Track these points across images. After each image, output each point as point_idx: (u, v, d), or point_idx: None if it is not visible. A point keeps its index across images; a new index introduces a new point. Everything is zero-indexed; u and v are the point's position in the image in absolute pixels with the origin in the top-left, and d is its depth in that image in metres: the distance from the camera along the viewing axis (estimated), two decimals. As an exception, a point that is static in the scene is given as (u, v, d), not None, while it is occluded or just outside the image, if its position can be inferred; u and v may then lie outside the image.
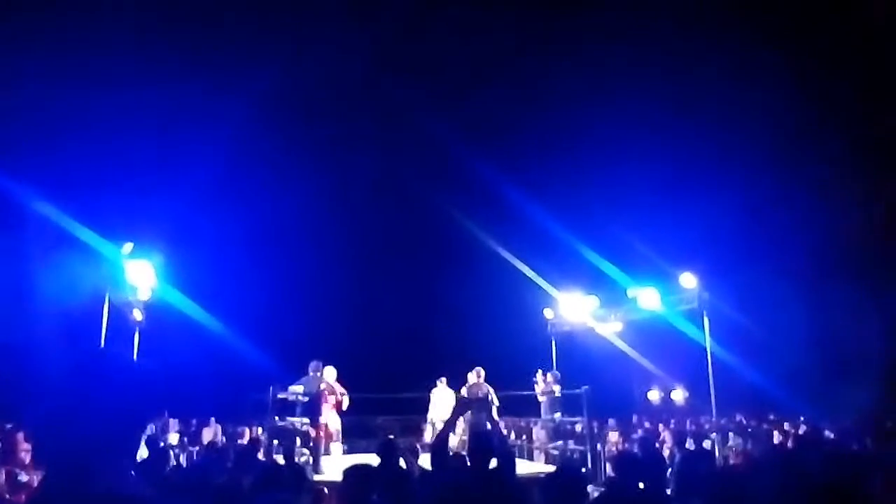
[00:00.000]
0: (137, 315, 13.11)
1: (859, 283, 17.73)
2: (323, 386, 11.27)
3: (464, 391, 12.24)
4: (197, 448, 12.52)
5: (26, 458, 8.82)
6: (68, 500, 1.49)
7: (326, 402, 11.37)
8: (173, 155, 17.43)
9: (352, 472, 4.50)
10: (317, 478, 9.10)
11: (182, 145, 17.48)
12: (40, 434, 1.59)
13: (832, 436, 10.61)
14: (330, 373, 11.76)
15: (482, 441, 4.75)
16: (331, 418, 11.57)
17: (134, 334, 13.00)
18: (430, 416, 12.75)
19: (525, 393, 13.28)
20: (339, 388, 11.74)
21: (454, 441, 10.70)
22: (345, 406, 11.81)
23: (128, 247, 12.52)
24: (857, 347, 17.59)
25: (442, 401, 12.57)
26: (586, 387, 11.89)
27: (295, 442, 10.58)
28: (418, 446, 9.48)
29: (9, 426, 10.36)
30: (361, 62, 18.90)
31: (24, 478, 7.23)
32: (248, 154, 18.42)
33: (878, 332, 17.58)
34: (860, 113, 17.85)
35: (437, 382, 12.94)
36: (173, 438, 13.08)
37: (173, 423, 13.82)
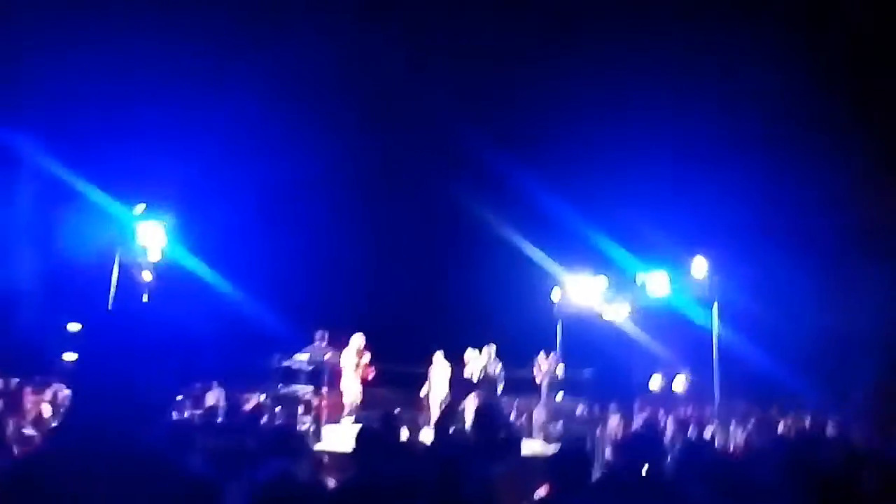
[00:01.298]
0: (147, 276, 13.16)
1: (877, 269, 17.54)
2: (328, 356, 11.34)
3: (475, 367, 12.20)
4: (199, 411, 12.61)
5: (32, 412, 8.92)
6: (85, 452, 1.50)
7: (339, 372, 11.46)
8: (187, 117, 17.39)
9: (360, 439, 4.51)
10: (317, 446, 9.17)
11: (196, 107, 17.43)
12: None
13: (835, 429, 10.59)
14: (356, 340, 11.81)
15: (488, 418, 4.76)
16: (348, 389, 11.63)
17: (142, 295, 13.07)
18: (427, 388, 12.68)
19: (528, 374, 13.31)
20: (356, 359, 11.74)
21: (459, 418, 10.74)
22: (369, 374, 11.87)
23: (139, 207, 12.56)
24: (872, 336, 17.45)
25: (439, 374, 12.53)
26: (589, 369, 11.93)
27: (297, 409, 10.65)
28: (419, 419, 9.53)
29: (15, 381, 10.47)
30: (377, 43, 18.76)
31: (29, 431, 7.31)
32: (261, 119, 18.36)
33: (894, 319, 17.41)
34: (877, 94, 17.56)
35: (434, 356, 12.85)
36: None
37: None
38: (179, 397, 13.39)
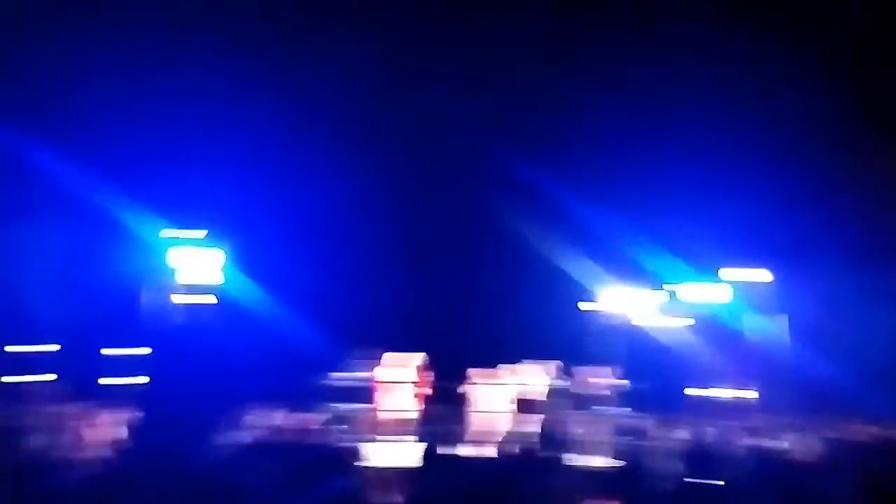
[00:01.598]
0: (201, 300, 13.36)
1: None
2: (383, 373, 11.33)
3: (539, 383, 12.11)
4: (258, 433, 12.66)
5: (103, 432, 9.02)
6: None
7: (394, 389, 11.47)
8: (226, 136, 17.66)
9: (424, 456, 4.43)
10: (375, 464, 9.08)
11: (233, 125, 17.69)
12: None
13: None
14: (416, 359, 11.87)
15: (552, 436, 4.62)
16: (403, 405, 11.63)
17: (197, 322, 13.25)
18: (472, 405, 12.55)
19: (583, 389, 13.08)
20: (414, 377, 11.77)
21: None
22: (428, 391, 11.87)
23: (200, 233, 12.77)
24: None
25: (480, 390, 12.45)
26: (650, 381, 11.62)
27: (354, 428, 10.63)
28: (475, 436, 9.39)
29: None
30: (409, 58, 18.89)
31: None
32: (301, 139, 18.59)
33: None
34: None
35: (469, 374, 12.70)
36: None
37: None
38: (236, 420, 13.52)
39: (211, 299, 13.35)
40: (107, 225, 12.90)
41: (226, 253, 13.33)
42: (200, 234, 12.83)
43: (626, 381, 12.46)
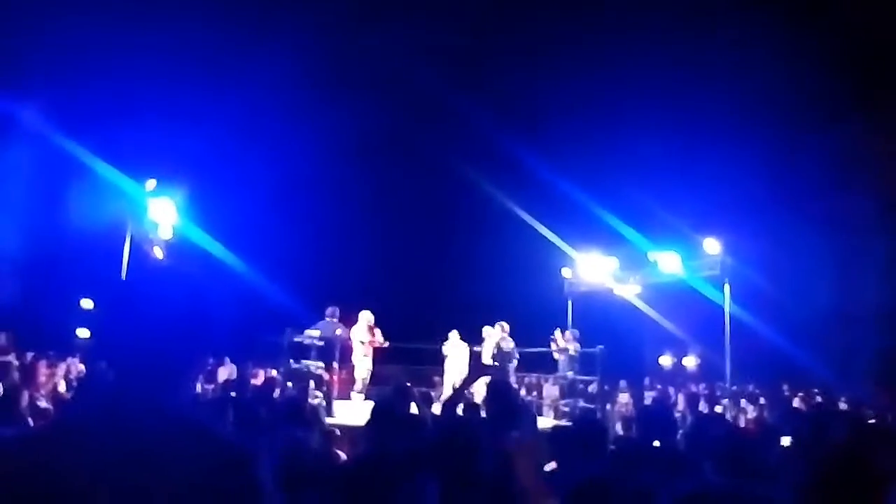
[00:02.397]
0: (158, 253, 13.20)
1: (884, 245, 17.43)
2: (338, 331, 11.38)
3: (491, 345, 12.25)
4: (212, 386, 12.72)
5: (47, 384, 9.01)
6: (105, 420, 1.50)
7: (352, 348, 11.53)
8: (198, 94, 17.35)
9: (375, 412, 4.52)
10: (328, 420, 9.22)
11: (207, 84, 17.38)
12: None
13: (847, 406, 10.57)
14: (365, 317, 11.87)
15: (501, 390, 4.77)
16: (359, 364, 11.71)
17: (154, 271, 13.10)
18: (445, 368, 12.80)
19: (539, 350, 13.35)
20: (367, 335, 11.81)
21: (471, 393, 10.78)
22: (379, 344, 11.94)
23: (151, 183, 12.56)
24: (880, 312, 17.37)
25: (456, 354, 12.62)
26: (601, 347, 11.94)
27: (308, 384, 10.70)
28: (433, 395, 9.57)
29: (30, 355, 10.57)
30: (388, 23, 18.63)
31: (43, 404, 7.38)
32: (273, 96, 18.30)
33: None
34: (885, 68, 17.28)
35: (449, 335, 12.95)
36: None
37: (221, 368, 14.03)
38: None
39: (171, 251, 13.20)
40: (70, 172, 12.63)
41: (188, 204, 13.16)
42: (160, 184, 12.61)
43: (576, 345, 12.74)
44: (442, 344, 12.91)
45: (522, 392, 14.17)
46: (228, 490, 1.47)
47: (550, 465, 4.31)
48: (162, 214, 12.69)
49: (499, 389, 4.79)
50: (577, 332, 13.62)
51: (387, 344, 12.11)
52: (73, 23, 14.48)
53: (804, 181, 18.95)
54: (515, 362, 12.46)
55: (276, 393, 9.46)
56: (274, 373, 12.24)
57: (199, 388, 10.24)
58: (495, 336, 12.33)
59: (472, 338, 12.86)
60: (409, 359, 13.35)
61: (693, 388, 13.53)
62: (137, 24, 15.54)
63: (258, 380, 12.30)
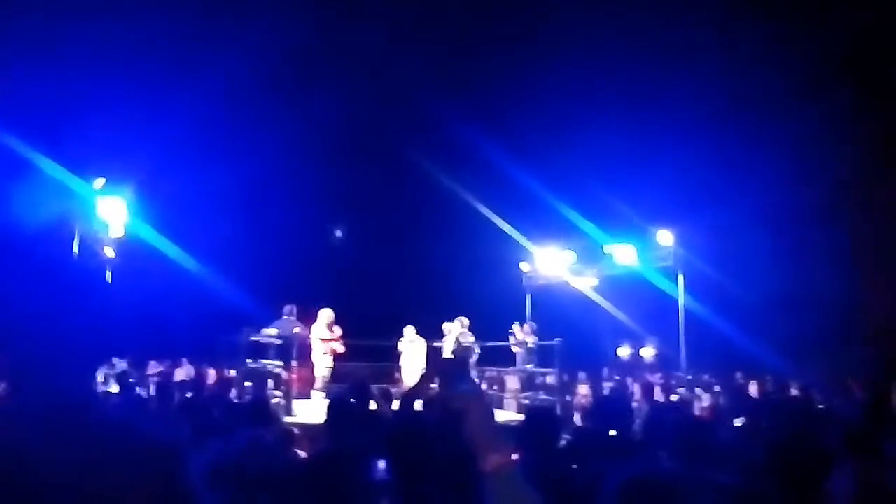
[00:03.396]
0: (109, 252, 12.90)
1: (835, 237, 17.94)
2: (296, 330, 11.28)
3: (451, 340, 12.27)
4: (153, 384, 12.50)
5: None
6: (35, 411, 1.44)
7: (311, 347, 11.43)
8: (148, 89, 16.99)
9: (332, 409, 4.49)
10: (287, 419, 9.13)
11: (157, 80, 17.03)
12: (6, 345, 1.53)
13: (797, 392, 10.86)
14: (325, 315, 11.76)
15: (449, 368, 4.76)
16: (318, 363, 11.61)
17: (104, 271, 12.80)
18: (402, 364, 12.74)
19: (498, 344, 13.42)
20: (326, 333, 11.72)
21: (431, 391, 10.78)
22: (339, 350, 11.84)
23: (99, 182, 12.27)
24: (825, 299, 17.88)
25: (412, 350, 12.58)
26: (559, 339, 12.07)
27: (266, 384, 10.60)
28: (392, 391, 9.55)
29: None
30: (347, 15, 18.46)
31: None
32: (224, 94, 17.99)
33: (854, 284, 17.86)
34: (837, 57, 17.74)
35: (404, 331, 12.88)
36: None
37: (152, 364, 13.77)
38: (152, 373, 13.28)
39: (121, 251, 12.91)
40: (13, 169, 12.24)
41: (139, 203, 12.88)
42: (109, 183, 12.31)
43: (535, 338, 12.85)
44: (398, 340, 12.85)
45: (483, 386, 14.24)
46: (151, 484, 1.43)
47: (512, 457, 4.35)
48: (111, 213, 12.40)
49: (448, 371, 4.80)
50: (534, 325, 13.75)
51: (343, 349, 12.03)
52: (17, 14, 14.04)
53: (754, 173, 19.38)
54: (476, 357, 12.52)
55: (233, 392, 9.35)
56: (232, 373, 12.07)
57: (152, 390, 10.05)
58: (455, 331, 12.37)
59: (432, 333, 12.86)
60: (370, 356, 13.30)
61: (649, 378, 13.73)
62: (86, 16, 15.12)
63: (211, 380, 12.14)
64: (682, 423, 4.88)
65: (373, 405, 6.49)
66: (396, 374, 13.11)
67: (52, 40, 14.78)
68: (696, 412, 11.17)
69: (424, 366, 11.96)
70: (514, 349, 13.24)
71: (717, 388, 13.30)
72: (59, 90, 15.06)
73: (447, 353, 12.18)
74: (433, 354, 12.29)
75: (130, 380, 10.22)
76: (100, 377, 10.79)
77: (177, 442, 1.56)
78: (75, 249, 11.82)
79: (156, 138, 16.31)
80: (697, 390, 13.67)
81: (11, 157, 12.03)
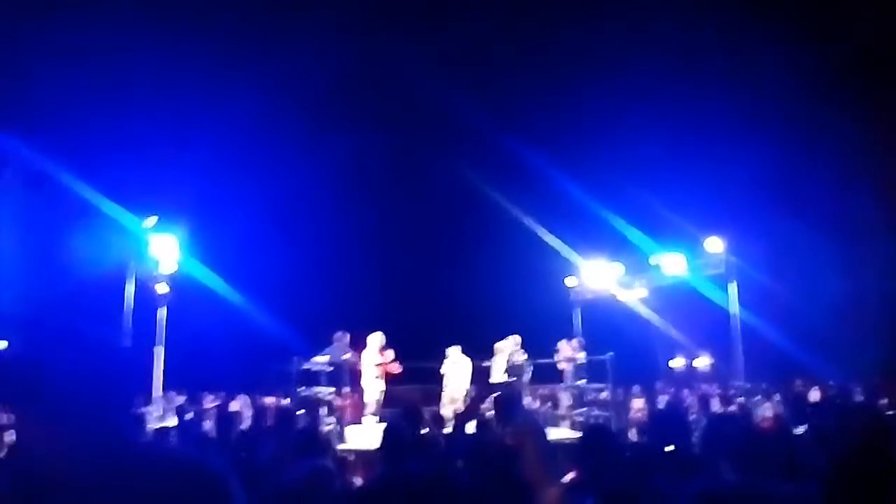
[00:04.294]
0: (163, 289, 13.22)
1: (892, 242, 17.40)
2: (347, 356, 11.35)
3: (503, 359, 12.12)
4: (208, 416, 12.65)
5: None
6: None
7: (362, 372, 11.45)
8: (195, 129, 17.44)
9: (385, 436, 4.50)
10: (341, 447, 9.17)
11: (204, 119, 17.47)
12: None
13: (862, 397, 10.50)
14: (376, 339, 11.77)
15: (507, 406, 4.75)
16: (370, 388, 11.61)
17: (158, 308, 13.12)
18: (445, 384, 12.56)
19: (548, 361, 13.28)
20: (378, 358, 11.72)
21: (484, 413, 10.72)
22: (395, 371, 11.82)
23: (151, 220, 12.61)
24: (885, 306, 17.32)
25: (456, 370, 12.43)
26: (611, 353, 11.90)
27: (319, 412, 10.65)
28: (442, 414, 9.52)
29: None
30: (381, 37, 18.73)
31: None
32: (268, 127, 18.38)
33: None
34: (892, 68, 17.29)
35: (448, 352, 12.62)
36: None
37: (207, 397, 13.98)
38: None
39: (175, 286, 13.23)
40: (69, 211, 12.65)
41: (190, 240, 13.21)
42: (160, 220, 12.66)
43: (584, 353, 12.69)
44: (442, 362, 12.70)
45: (537, 404, 14.08)
46: None
47: (569, 476, 4.29)
48: (163, 250, 12.73)
49: (504, 402, 4.79)
50: (583, 340, 13.57)
51: (400, 370, 12.01)
52: (69, 58, 14.58)
53: (806, 180, 18.94)
54: (529, 375, 12.40)
55: (290, 421, 9.42)
56: (286, 401, 12.17)
57: (208, 423, 10.20)
58: (507, 349, 12.25)
59: (481, 352, 12.74)
60: (420, 378, 13.26)
61: (705, 390, 13.43)
62: (133, 60, 15.65)
63: (271, 409, 12.23)
64: (743, 433, 4.77)
65: (425, 430, 6.48)
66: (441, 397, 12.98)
67: (105, 81, 15.29)
68: (758, 421, 10.88)
69: (472, 387, 11.92)
70: (561, 366, 13.09)
71: (777, 397, 12.92)
72: (110, 131, 15.56)
73: (499, 373, 12.07)
74: (485, 379, 12.23)
75: (187, 415, 10.39)
76: (155, 412, 11.04)
77: (223, 471, 1.59)
78: (129, 289, 12.12)
79: (203, 175, 16.71)
80: (757, 399, 13.31)
81: (66, 197, 12.44)
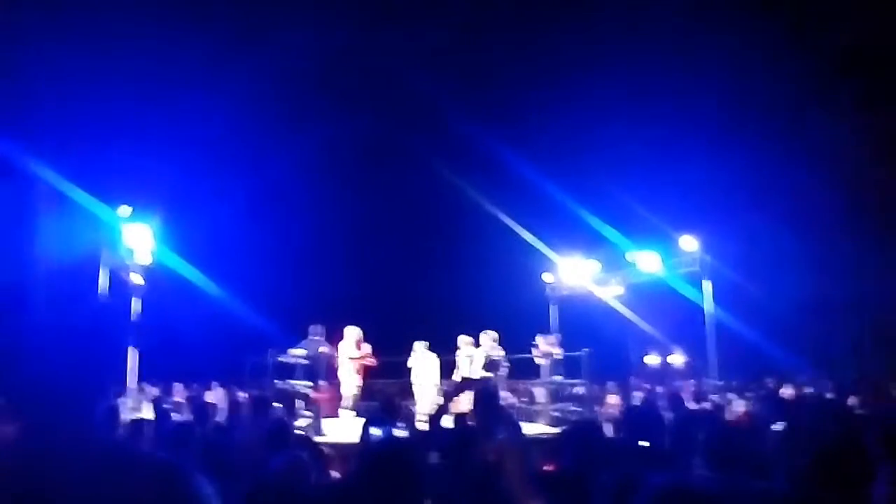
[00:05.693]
0: (137, 279, 13.03)
1: (863, 241, 17.71)
2: (323, 349, 11.32)
3: (482, 354, 12.14)
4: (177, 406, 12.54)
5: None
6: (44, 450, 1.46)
7: (339, 366, 11.44)
8: (170, 118, 17.22)
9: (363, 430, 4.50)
10: (317, 439, 9.14)
11: (179, 108, 17.26)
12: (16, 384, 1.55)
13: (833, 395, 10.68)
14: (352, 333, 11.77)
15: (487, 399, 4.77)
16: (346, 382, 11.61)
17: (131, 298, 12.93)
18: (414, 379, 12.57)
19: (524, 356, 13.34)
20: (355, 352, 11.72)
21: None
22: (371, 364, 11.83)
23: (125, 210, 12.42)
24: (861, 307, 17.63)
25: (424, 365, 12.44)
26: (586, 349, 11.99)
27: (294, 404, 10.61)
28: (413, 409, 9.54)
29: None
30: (357, 24, 18.62)
31: None
32: (244, 117, 18.21)
33: (882, 290, 17.60)
34: (865, 64, 17.53)
35: (414, 346, 12.62)
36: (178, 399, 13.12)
37: (177, 387, 13.85)
38: (179, 398, 13.36)
39: (149, 278, 13.03)
40: (41, 199, 12.43)
41: (164, 230, 13.02)
42: (139, 211, 12.46)
43: (560, 349, 12.77)
44: (408, 357, 12.70)
45: (514, 399, 14.13)
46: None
47: (547, 468, 4.32)
48: (138, 241, 12.55)
49: (484, 398, 4.81)
50: (559, 335, 13.65)
51: (375, 362, 12.04)
52: (39, 45, 14.32)
53: (779, 180, 19.19)
54: (506, 371, 12.44)
55: (265, 411, 9.36)
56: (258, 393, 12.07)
57: (184, 415, 10.10)
58: (485, 346, 12.28)
59: (454, 348, 12.73)
60: (399, 372, 13.26)
61: (679, 386, 13.58)
62: (107, 45, 15.41)
63: (245, 401, 12.13)
64: (715, 429, 4.82)
65: (400, 426, 6.49)
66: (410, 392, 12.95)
67: (76, 68, 15.04)
68: (729, 418, 11.01)
69: (444, 381, 11.92)
70: (539, 361, 13.16)
71: (748, 394, 13.10)
72: (84, 119, 15.31)
73: (476, 369, 12.08)
74: (456, 371, 12.25)
75: (164, 405, 10.29)
76: (130, 403, 10.91)
77: (194, 472, 1.56)
78: (102, 279, 11.95)
79: (179, 164, 16.52)
80: (729, 396, 13.47)
81: (38, 186, 12.23)
